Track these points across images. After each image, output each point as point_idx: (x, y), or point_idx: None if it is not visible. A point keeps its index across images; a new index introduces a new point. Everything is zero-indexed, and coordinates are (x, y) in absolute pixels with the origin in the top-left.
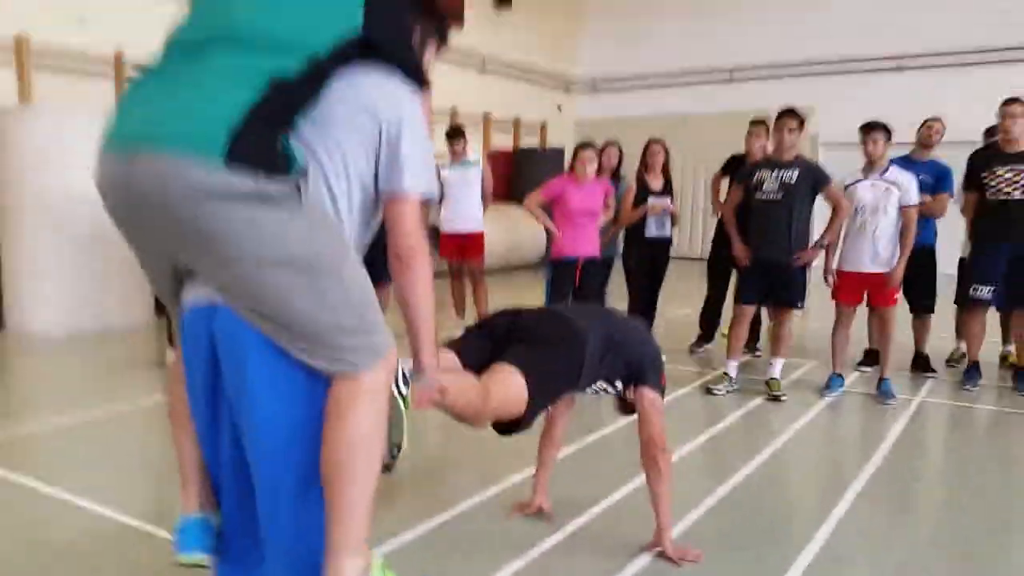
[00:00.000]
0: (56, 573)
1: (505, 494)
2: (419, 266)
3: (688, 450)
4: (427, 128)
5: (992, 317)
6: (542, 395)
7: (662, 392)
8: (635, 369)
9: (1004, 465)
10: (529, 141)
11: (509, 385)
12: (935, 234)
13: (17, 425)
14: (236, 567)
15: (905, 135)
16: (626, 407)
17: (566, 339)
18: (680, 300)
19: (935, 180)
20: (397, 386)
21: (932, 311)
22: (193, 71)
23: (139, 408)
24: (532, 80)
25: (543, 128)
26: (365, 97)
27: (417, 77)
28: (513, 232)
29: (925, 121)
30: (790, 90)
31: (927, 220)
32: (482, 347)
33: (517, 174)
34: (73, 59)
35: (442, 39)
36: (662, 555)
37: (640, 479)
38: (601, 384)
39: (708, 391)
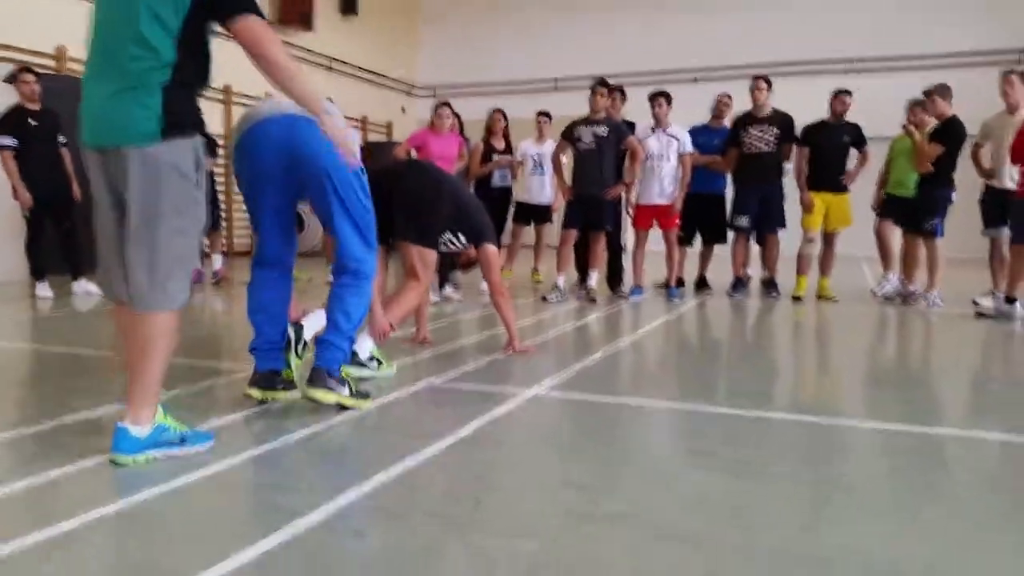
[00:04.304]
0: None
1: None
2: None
3: (526, 327)
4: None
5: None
6: (432, 244)
7: (498, 247)
8: (477, 231)
9: (744, 329)
10: (376, 139)
11: (427, 261)
12: (725, 185)
13: None
14: (273, 268)
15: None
16: (465, 264)
17: (431, 199)
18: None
19: (723, 143)
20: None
21: (723, 242)
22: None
23: None
24: (378, 83)
25: (389, 127)
26: None
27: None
28: None
29: (718, 96)
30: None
31: (718, 174)
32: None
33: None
34: None
35: None
36: (513, 352)
37: (483, 333)
38: (449, 236)
39: (543, 299)
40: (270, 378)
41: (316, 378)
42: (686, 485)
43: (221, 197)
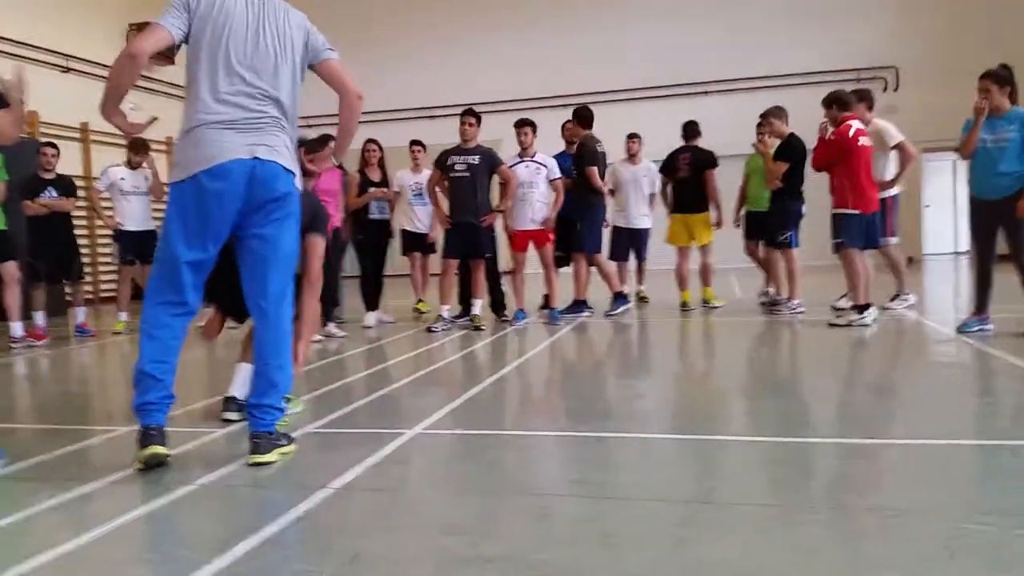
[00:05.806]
0: None
1: None
2: None
3: (412, 359)
4: None
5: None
6: None
7: (326, 239)
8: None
9: (621, 347)
10: None
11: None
12: None
13: None
14: (190, 316)
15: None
16: None
17: None
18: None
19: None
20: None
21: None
22: None
23: None
24: None
25: None
26: None
27: None
28: None
29: (564, 123)
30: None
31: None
32: None
33: None
34: None
35: None
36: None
37: (368, 371)
38: None
39: (429, 330)
40: (164, 433)
41: (265, 445)
42: (561, 517)
43: (84, 242)
